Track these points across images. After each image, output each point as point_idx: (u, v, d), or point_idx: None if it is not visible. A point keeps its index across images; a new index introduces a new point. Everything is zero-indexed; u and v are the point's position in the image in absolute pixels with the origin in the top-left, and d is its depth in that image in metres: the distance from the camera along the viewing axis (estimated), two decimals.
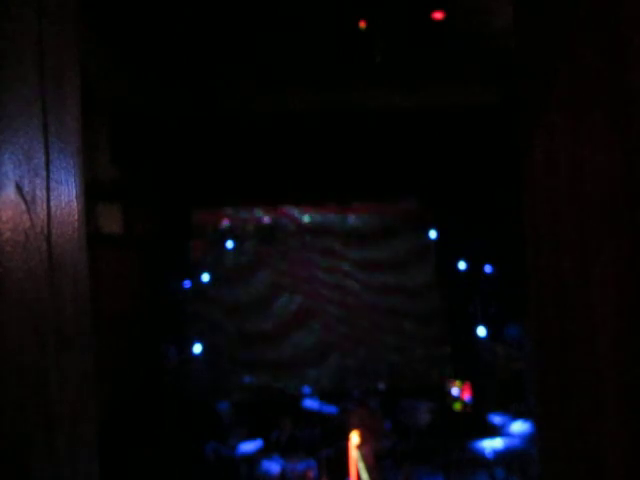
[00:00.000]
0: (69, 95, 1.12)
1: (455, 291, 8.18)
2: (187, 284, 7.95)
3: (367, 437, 6.36)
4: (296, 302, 8.47)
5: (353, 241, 8.54)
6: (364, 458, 6.15)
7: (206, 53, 5.75)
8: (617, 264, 1.30)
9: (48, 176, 0.99)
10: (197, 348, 7.74)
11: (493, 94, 6.32)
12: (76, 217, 1.11)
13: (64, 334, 1.03)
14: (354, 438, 6.16)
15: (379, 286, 8.52)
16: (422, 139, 6.86)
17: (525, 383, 6.80)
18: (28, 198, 0.92)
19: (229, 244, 8.32)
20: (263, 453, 6.64)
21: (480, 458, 6.36)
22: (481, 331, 7.69)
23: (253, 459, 6.59)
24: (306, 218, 8.53)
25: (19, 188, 0.89)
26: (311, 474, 6.38)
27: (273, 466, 6.44)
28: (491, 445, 6.34)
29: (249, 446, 6.67)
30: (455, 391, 7.36)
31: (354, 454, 6.11)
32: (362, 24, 5.17)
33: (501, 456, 6.30)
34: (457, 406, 7.32)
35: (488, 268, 7.79)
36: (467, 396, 7.30)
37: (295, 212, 8.49)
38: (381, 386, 7.92)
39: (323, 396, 7.45)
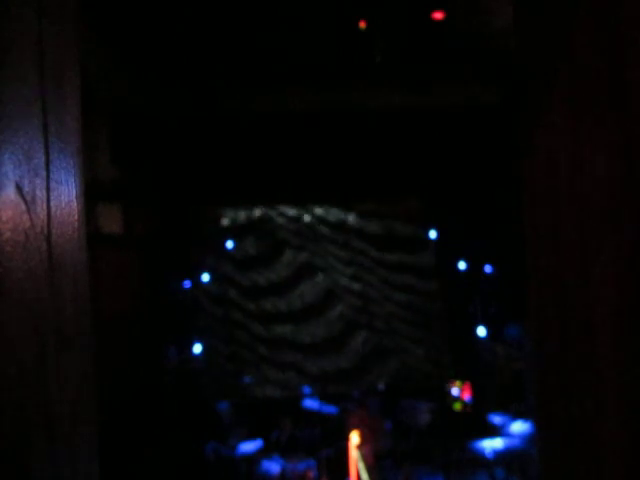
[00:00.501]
0: (69, 95, 1.12)
1: (455, 291, 8.18)
2: (187, 284, 7.96)
3: (367, 437, 6.36)
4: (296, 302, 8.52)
5: (353, 241, 8.54)
6: (364, 458, 6.15)
7: (206, 53, 5.74)
8: (617, 264, 1.30)
9: (48, 176, 0.99)
10: (197, 348, 7.74)
11: (493, 94, 6.31)
12: (76, 217, 1.11)
13: (64, 334, 1.03)
14: (354, 438, 6.15)
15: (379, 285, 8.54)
16: (422, 139, 6.85)
17: (525, 383, 6.79)
18: (28, 198, 0.91)
19: (229, 244, 8.34)
20: (263, 453, 6.64)
21: (480, 458, 6.36)
22: (481, 331, 7.69)
23: (253, 459, 6.59)
24: (306, 217, 8.54)
25: (19, 188, 0.89)
26: (311, 474, 6.37)
27: (273, 466, 6.44)
28: (491, 445, 6.34)
29: (249, 446, 6.67)
30: (455, 391, 7.35)
31: (354, 454, 6.10)
32: (362, 24, 5.17)
33: (501, 456, 6.30)
34: (457, 406, 7.32)
35: (488, 268, 7.79)
36: (467, 396, 7.30)
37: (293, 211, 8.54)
38: (381, 386, 7.92)
39: (323, 396, 7.45)
